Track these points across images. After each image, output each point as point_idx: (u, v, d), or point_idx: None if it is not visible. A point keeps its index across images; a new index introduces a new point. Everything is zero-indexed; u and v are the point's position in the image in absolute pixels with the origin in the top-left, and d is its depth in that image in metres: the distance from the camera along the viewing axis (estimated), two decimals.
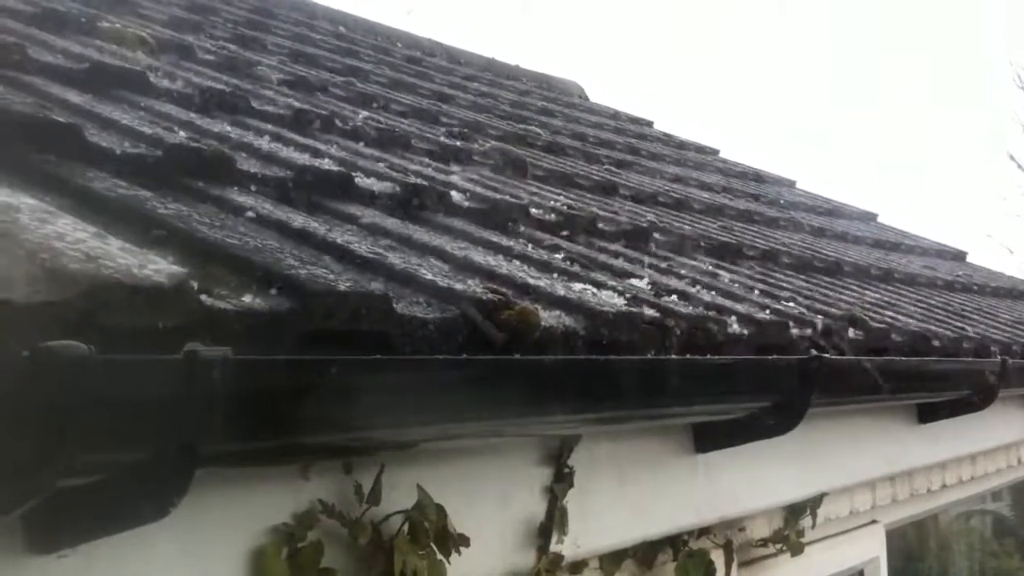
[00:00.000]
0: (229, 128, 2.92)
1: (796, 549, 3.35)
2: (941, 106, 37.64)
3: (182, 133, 2.54)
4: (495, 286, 2.14)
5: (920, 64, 37.69)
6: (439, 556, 1.90)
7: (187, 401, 1.20)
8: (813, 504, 3.44)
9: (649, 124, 8.78)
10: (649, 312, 2.39)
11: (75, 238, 1.44)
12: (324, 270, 1.78)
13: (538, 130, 5.73)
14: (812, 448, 3.24)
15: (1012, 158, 24.59)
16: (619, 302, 2.40)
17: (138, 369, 1.18)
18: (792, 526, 3.37)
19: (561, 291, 2.32)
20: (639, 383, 2.11)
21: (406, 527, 1.86)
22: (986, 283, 7.03)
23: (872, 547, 4.15)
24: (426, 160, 3.67)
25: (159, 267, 1.45)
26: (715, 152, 8.66)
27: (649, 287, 2.80)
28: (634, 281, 2.84)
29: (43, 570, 1.37)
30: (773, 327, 2.84)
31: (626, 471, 2.57)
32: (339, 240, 2.10)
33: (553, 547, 2.30)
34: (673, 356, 2.24)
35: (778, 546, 3.31)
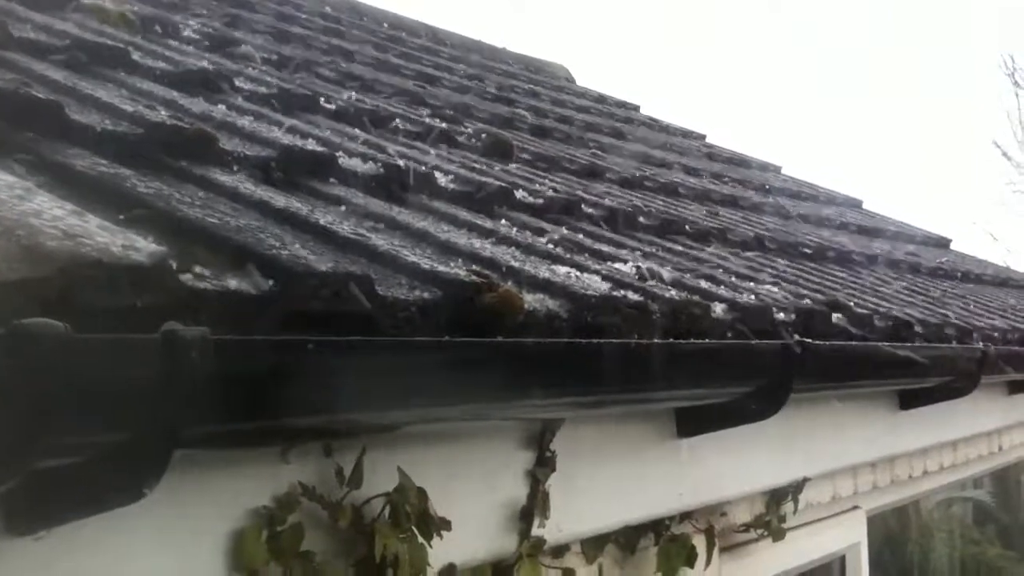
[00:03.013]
0: (212, 107, 2.89)
1: (778, 535, 3.36)
2: (929, 96, 37.68)
3: (164, 111, 2.51)
4: (478, 268, 2.13)
5: (910, 54, 37.70)
6: (420, 539, 1.89)
7: (165, 381, 1.19)
8: (795, 490, 3.45)
9: (636, 108, 8.76)
10: (632, 296, 2.38)
11: (53, 215, 1.42)
12: (306, 251, 1.77)
13: (524, 113, 5.72)
14: (794, 433, 3.24)
15: (997, 145, 24.66)
16: (603, 286, 2.39)
17: (115, 348, 1.17)
18: (774, 511, 3.37)
19: (545, 274, 2.31)
20: (621, 367, 2.10)
21: (387, 510, 1.86)
22: (970, 270, 7.06)
23: (854, 533, 4.16)
24: (411, 141, 3.65)
25: (138, 246, 1.43)
26: (702, 137, 8.65)
27: (633, 271, 2.80)
28: (618, 265, 2.83)
29: (20, 551, 1.36)
30: (756, 312, 2.83)
31: (609, 455, 2.57)
32: (321, 221, 2.08)
33: (535, 531, 2.29)
34: (656, 340, 2.23)
35: (760, 531, 3.32)
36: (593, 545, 2.58)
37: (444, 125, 4.19)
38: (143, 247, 1.42)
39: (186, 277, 1.46)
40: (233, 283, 1.52)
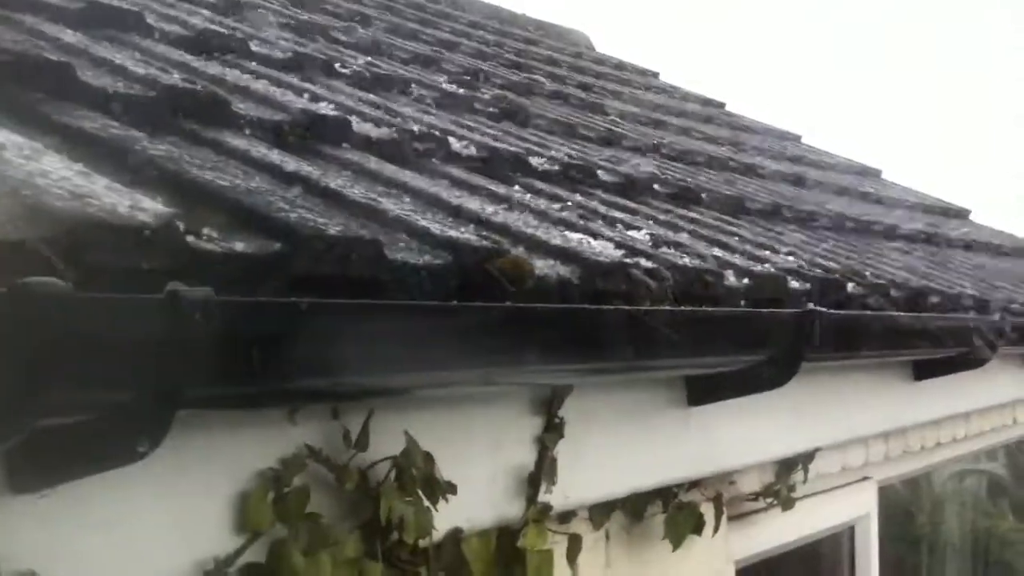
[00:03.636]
0: (226, 70, 2.88)
1: (787, 504, 3.36)
2: (946, 70, 37.33)
3: (177, 74, 2.51)
4: (489, 234, 2.12)
5: (926, 28, 37.36)
6: (426, 503, 1.90)
7: (168, 342, 1.19)
8: (805, 459, 3.44)
9: (655, 75, 8.70)
10: (645, 263, 2.37)
11: (60, 176, 1.42)
12: (314, 214, 1.76)
13: (542, 79, 5.68)
14: (805, 403, 3.23)
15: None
16: (615, 253, 2.38)
17: (119, 308, 1.17)
18: (783, 481, 3.37)
19: (557, 240, 2.30)
20: (632, 333, 2.09)
21: (393, 474, 1.86)
22: (989, 241, 7.01)
23: (864, 503, 4.16)
24: (426, 107, 3.64)
25: (145, 206, 1.43)
26: (721, 105, 8.59)
27: (647, 238, 2.79)
28: (632, 232, 2.82)
29: (23, 509, 1.37)
30: (771, 280, 2.82)
31: (618, 422, 2.57)
32: (332, 184, 2.08)
33: (542, 497, 2.30)
34: (667, 307, 2.22)
35: (769, 500, 3.32)
36: (600, 511, 2.59)
37: (461, 91, 4.17)
38: (150, 208, 1.43)
39: (193, 239, 1.46)
40: (240, 245, 1.52)
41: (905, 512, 5.78)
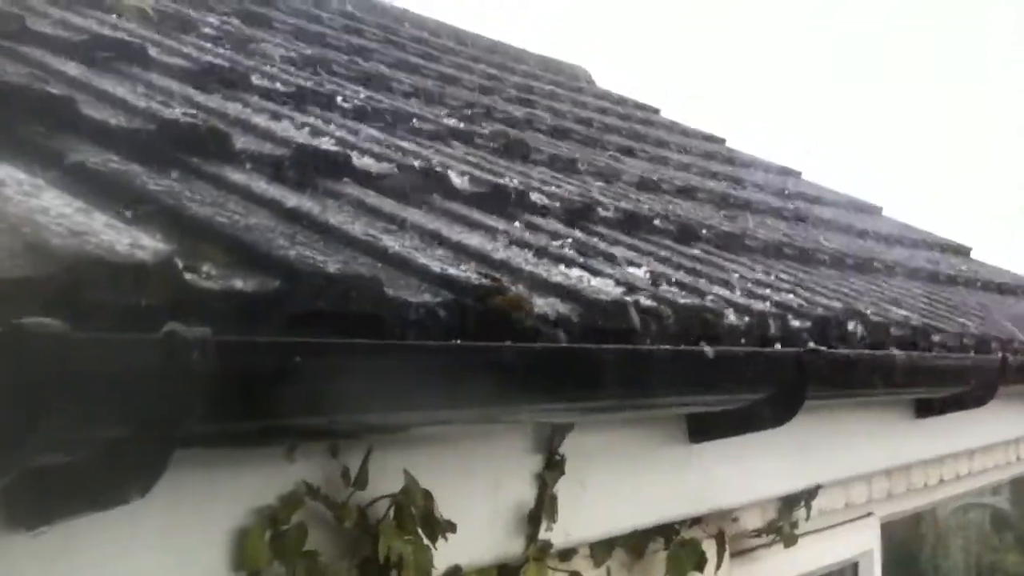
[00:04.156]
0: (228, 104, 2.89)
1: (789, 540, 3.34)
2: (945, 83, 37.45)
3: (179, 108, 2.52)
4: (489, 271, 2.12)
5: (925, 41, 37.58)
6: (425, 541, 1.89)
7: (166, 382, 1.18)
8: (808, 496, 3.43)
9: (656, 111, 8.73)
10: (645, 301, 2.37)
11: (59, 212, 1.42)
12: (314, 251, 1.76)
13: (543, 114, 5.70)
14: (807, 440, 3.22)
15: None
16: (615, 291, 2.37)
17: (116, 348, 1.16)
18: (786, 517, 3.35)
19: (557, 278, 2.30)
20: (632, 373, 2.08)
21: (392, 512, 1.85)
22: (989, 279, 7.00)
23: (867, 540, 4.13)
24: (427, 141, 3.64)
25: (144, 244, 1.42)
26: (721, 141, 8.61)
27: (647, 275, 2.78)
28: (632, 269, 2.81)
29: (19, 546, 1.35)
30: (772, 319, 2.81)
31: (618, 460, 2.55)
32: (332, 221, 2.08)
33: (542, 535, 2.28)
34: (667, 346, 2.21)
35: (771, 537, 3.30)
36: (601, 549, 2.57)
37: (461, 125, 4.18)
38: (149, 245, 1.42)
39: (192, 276, 1.46)
40: (239, 283, 1.51)
41: (909, 547, 5.75)
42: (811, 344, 2.68)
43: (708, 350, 2.38)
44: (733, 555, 3.12)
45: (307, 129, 2.89)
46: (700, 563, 2.81)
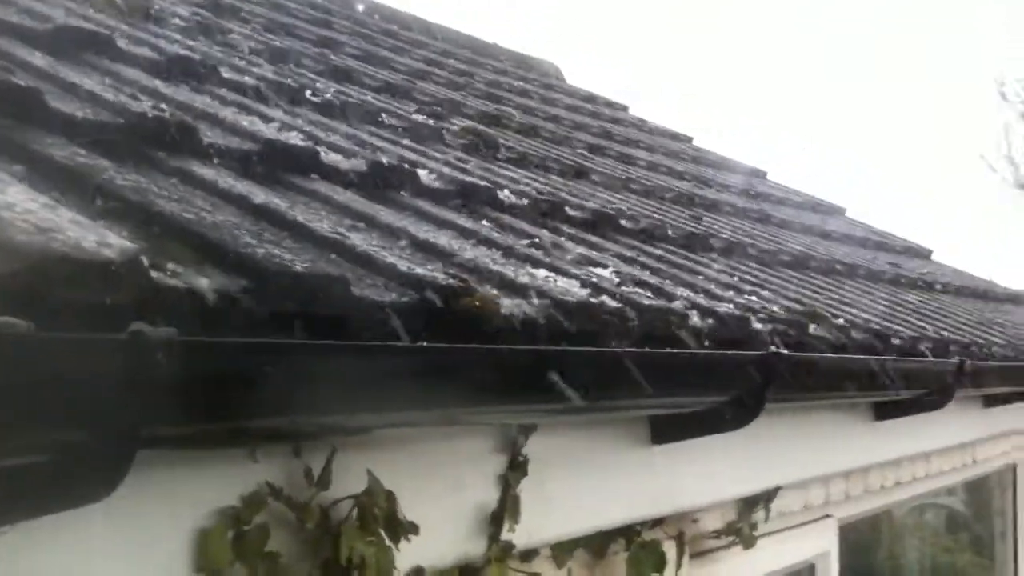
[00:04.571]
0: (196, 97, 2.88)
1: (748, 542, 3.37)
2: (924, 108, 37.91)
3: (147, 101, 2.50)
4: (456, 271, 2.12)
5: (915, 43, 37.95)
6: (387, 543, 1.89)
7: (130, 382, 1.18)
8: (767, 498, 3.46)
9: (624, 109, 8.76)
10: (611, 303, 2.38)
11: (25, 208, 1.40)
12: (281, 249, 1.76)
13: (513, 111, 5.71)
14: (768, 442, 3.25)
15: (983, 157, 24.81)
16: (581, 292, 2.39)
17: (80, 348, 1.16)
18: (745, 519, 3.38)
19: (523, 278, 2.30)
20: (597, 375, 2.10)
21: (355, 513, 1.85)
22: (950, 282, 7.09)
23: (824, 541, 4.18)
24: (396, 137, 3.64)
25: (110, 241, 1.42)
26: (688, 140, 8.66)
27: (613, 276, 2.80)
28: (598, 270, 2.83)
29: None
30: (734, 321, 2.84)
31: (581, 461, 2.57)
32: (300, 218, 2.07)
33: (504, 535, 2.29)
34: (631, 349, 2.23)
35: (730, 538, 3.33)
36: (563, 550, 2.58)
37: (431, 121, 4.18)
38: (115, 243, 1.41)
39: (158, 275, 1.45)
40: (205, 282, 1.51)
41: (866, 548, 5.81)
42: (772, 348, 2.71)
43: (672, 353, 2.40)
44: (693, 556, 3.14)
45: (275, 124, 2.88)
46: (660, 564, 2.83)
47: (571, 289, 2.38)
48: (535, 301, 2.16)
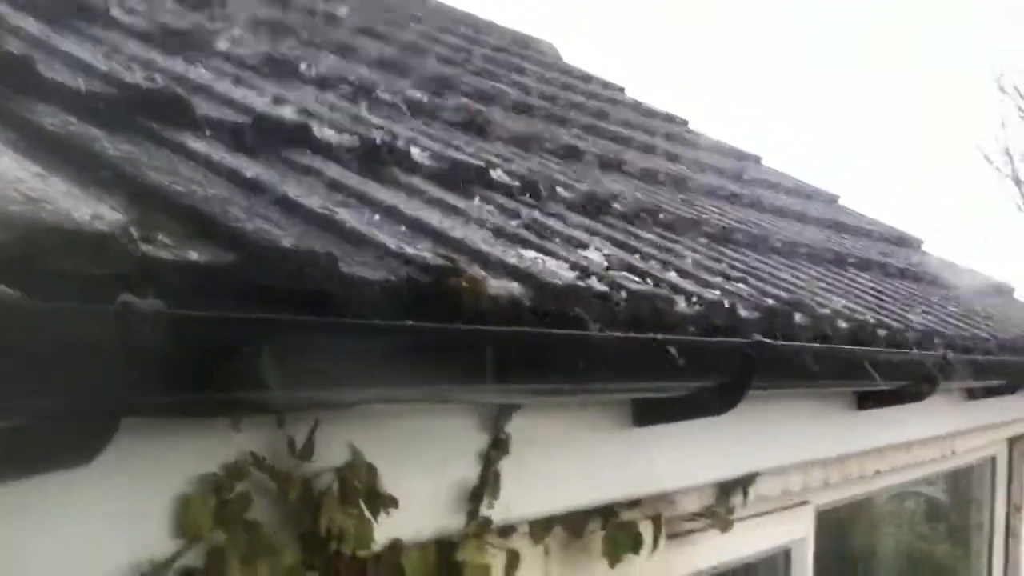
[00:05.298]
0: (190, 68, 2.88)
1: (725, 525, 3.41)
2: (919, 97, 37.94)
3: (140, 71, 2.51)
4: (445, 251, 2.14)
5: (909, 31, 37.97)
6: (367, 515, 1.91)
7: (117, 353, 1.20)
8: (745, 482, 3.49)
9: (620, 90, 8.75)
10: (598, 286, 2.40)
11: (16, 177, 1.42)
12: (270, 224, 1.77)
13: (508, 89, 5.70)
14: (748, 427, 3.28)
15: (978, 148, 24.85)
16: (569, 274, 2.41)
17: (68, 318, 1.18)
18: (723, 503, 3.42)
19: (512, 259, 2.32)
20: (581, 357, 2.12)
21: (336, 485, 1.87)
22: (937, 273, 7.12)
23: (801, 528, 4.22)
24: (390, 113, 3.65)
25: (101, 212, 1.43)
26: (684, 123, 8.65)
27: (602, 259, 2.82)
28: (587, 252, 2.85)
29: None
30: (720, 308, 2.86)
31: (563, 440, 2.59)
32: (290, 193, 2.09)
33: (484, 511, 2.32)
34: (616, 333, 2.25)
35: (707, 521, 3.36)
36: (540, 527, 2.61)
37: (425, 98, 4.18)
38: (105, 214, 1.43)
39: (147, 246, 1.47)
40: (194, 255, 1.52)
41: (843, 534, 5.86)
42: (756, 336, 2.73)
43: (657, 338, 2.42)
44: (669, 537, 3.17)
45: (269, 96, 2.89)
46: (636, 544, 2.87)
47: (559, 271, 2.40)
48: (523, 283, 2.18)
